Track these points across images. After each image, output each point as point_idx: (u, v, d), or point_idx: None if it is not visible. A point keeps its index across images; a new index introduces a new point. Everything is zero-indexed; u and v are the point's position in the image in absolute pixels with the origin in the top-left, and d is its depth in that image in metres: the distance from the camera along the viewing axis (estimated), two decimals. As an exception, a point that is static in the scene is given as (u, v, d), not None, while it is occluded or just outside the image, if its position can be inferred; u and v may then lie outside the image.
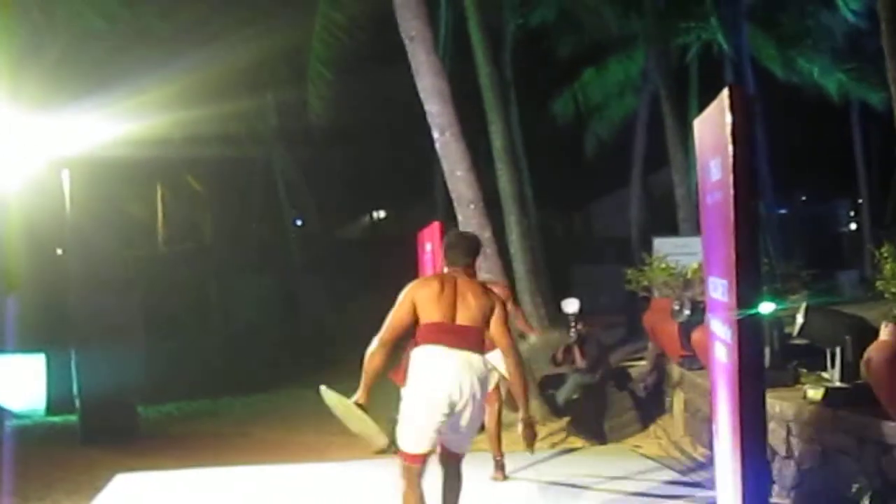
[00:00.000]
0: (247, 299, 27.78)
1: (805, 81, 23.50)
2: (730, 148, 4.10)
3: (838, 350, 8.13)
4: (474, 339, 6.36)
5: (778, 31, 23.17)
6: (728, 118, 4.13)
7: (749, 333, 4.15)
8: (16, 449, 13.69)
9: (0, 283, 17.57)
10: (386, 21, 14.66)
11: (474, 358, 6.33)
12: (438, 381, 6.26)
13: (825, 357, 8.54)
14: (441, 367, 6.27)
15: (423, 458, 6.40)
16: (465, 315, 6.37)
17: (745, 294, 4.11)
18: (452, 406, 6.27)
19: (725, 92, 4.20)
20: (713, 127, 4.46)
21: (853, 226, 33.31)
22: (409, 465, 6.39)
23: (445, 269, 6.76)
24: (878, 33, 10.58)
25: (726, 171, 4.14)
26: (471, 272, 6.73)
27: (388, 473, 10.00)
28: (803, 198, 35.35)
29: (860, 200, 29.50)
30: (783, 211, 28.05)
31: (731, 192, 4.10)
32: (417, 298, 6.41)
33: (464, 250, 6.75)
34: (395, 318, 6.40)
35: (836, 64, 22.77)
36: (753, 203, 4.22)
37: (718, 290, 4.52)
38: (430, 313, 6.36)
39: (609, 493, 8.69)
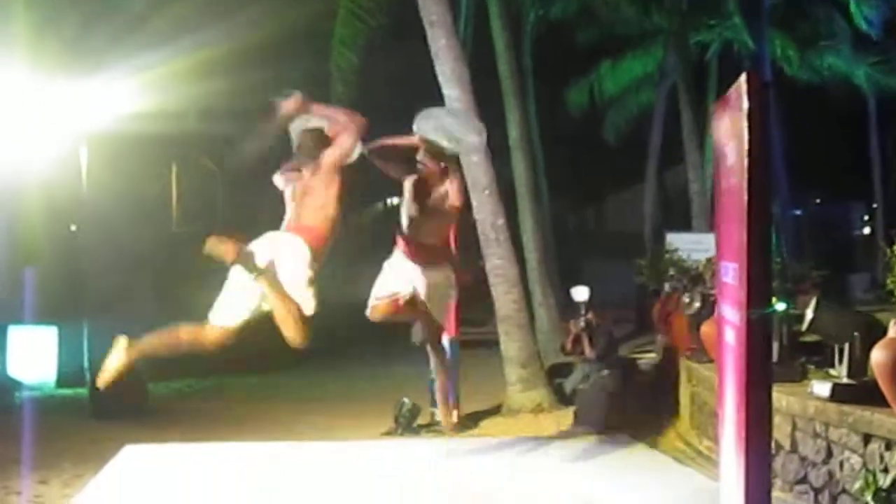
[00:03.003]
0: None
1: (826, 80, 23.49)
2: (745, 133, 4.15)
3: (846, 346, 8.16)
4: None
5: (798, 31, 23.17)
6: (745, 103, 4.18)
7: (759, 317, 4.20)
8: (25, 419, 13.78)
9: (17, 256, 17.68)
10: (406, 3, 14.68)
11: None
12: None
13: (833, 354, 8.57)
14: None
15: None
16: None
17: (757, 275, 4.15)
18: None
19: (743, 77, 4.24)
20: (730, 111, 4.50)
21: (867, 229, 33.23)
22: None
23: None
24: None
25: (741, 155, 4.19)
26: None
27: (393, 454, 10.13)
28: (818, 200, 35.26)
29: (875, 204, 29.44)
30: (797, 212, 28.00)
31: (746, 175, 4.15)
32: None
33: None
34: None
35: (860, 59, 22.77)
36: (767, 186, 4.26)
37: (730, 274, 4.56)
38: None
39: (612, 482, 8.73)
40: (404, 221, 8.46)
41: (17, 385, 16.50)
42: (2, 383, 16.18)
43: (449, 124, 8.45)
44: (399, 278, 8.45)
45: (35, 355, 17.53)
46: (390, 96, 26.74)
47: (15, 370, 16.98)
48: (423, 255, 8.42)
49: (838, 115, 26.70)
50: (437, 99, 13.79)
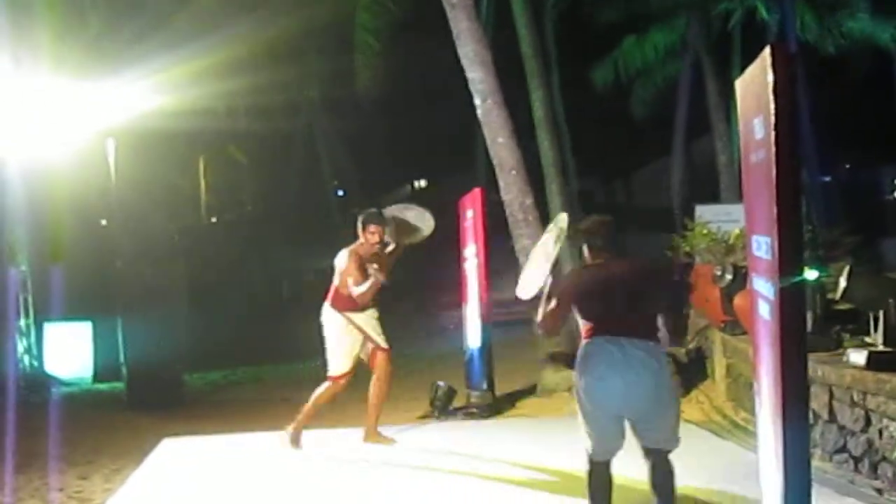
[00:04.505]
0: (289, 269, 27.90)
1: (852, 44, 23.22)
2: (772, 106, 4.11)
3: (881, 313, 8.11)
4: None
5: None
6: (770, 76, 4.14)
7: (792, 289, 4.17)
8: (63, 415, 13.90)
9: (47, 252, 17.81)
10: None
11: None
12: None
13: (868, 322, 8.52)
14: None
15: None
16: None
17: (789, 248, 4.12)
18: None
19: (767, 50, 4.20)
20: (755, 85, 4.46)
21: (897, 194, 32.99)
22: None
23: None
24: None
25: (769, 128, 4.15)
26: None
27: (425, 439, 10.14)
28: (848, 165, 34.99)
29: (905, 169, 29.19)
30: (827, 178, 27.80)
31: (774, 148, 4.11)
32: None
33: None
34: None
35: (886, 20, 22.48)
36: (796, 159, 4.22)
37: (762, 248, 4.53)
38: None
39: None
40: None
41: (54, 381, 16.67)
42: (39, 379, 16.35)
43: (413, 216, 10.20)
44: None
45: (71, 351, 17.70)
46: (416, 81, 26.77)
47: (51, 366, 17.15)
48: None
49: (866, 78, 26.43)
50: (460, 82, 13.77)
